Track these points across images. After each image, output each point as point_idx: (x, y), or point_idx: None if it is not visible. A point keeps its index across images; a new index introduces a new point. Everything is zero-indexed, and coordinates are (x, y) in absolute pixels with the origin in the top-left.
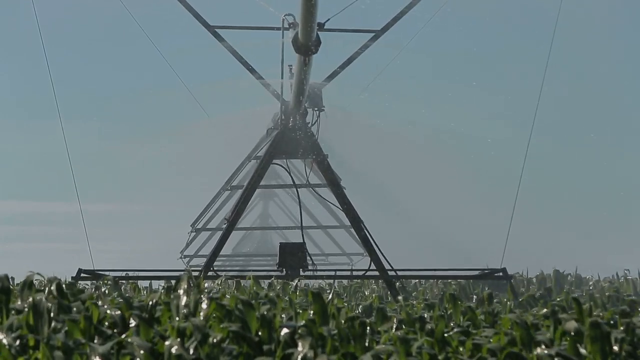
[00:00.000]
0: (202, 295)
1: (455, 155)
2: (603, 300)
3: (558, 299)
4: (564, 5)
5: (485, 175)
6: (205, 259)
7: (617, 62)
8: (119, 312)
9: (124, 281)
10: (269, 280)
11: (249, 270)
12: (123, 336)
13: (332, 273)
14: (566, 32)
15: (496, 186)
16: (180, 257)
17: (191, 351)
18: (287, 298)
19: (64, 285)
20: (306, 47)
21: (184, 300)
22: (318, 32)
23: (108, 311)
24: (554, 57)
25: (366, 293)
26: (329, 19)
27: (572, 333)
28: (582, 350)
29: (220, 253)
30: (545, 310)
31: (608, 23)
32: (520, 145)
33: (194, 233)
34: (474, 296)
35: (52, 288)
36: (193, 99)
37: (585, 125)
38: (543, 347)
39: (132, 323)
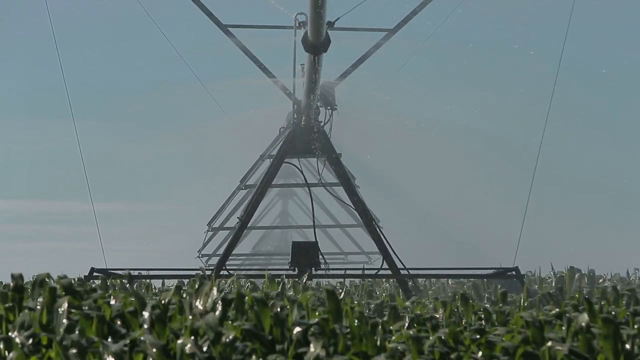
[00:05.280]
0: (215, 294)
1: (468, 153)
2: (617, 298)
3: (570, 299)
4: (577, 3)
5: (499, 173)
6: None
7: (635, 54)
8: (134, 310)
9: (136, 280)
10: (279, 279)
11: (264, 269)
12: (136, 334)
13: (345, 272)
14: (581, 28)
15: (509, 185)
16: (198, 257)
17: (204, 349)
18: (298, 296)
19: (76, 284)
20: (315, 46)
21: (197, 299)
22: (328, 31)
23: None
24: (569, 53)
25: (378, 292)
26: (339, 18)
27: (583, 326)
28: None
29: (240, 252)
30: (557, 310)
31: (622, 17)
32: (534, 143)
33: (211, 232)
34: (487, 295)
35: (63, 286)
36: (206, 97)
37: (599, 123)
38: (555, 343)
39: (145, 322)
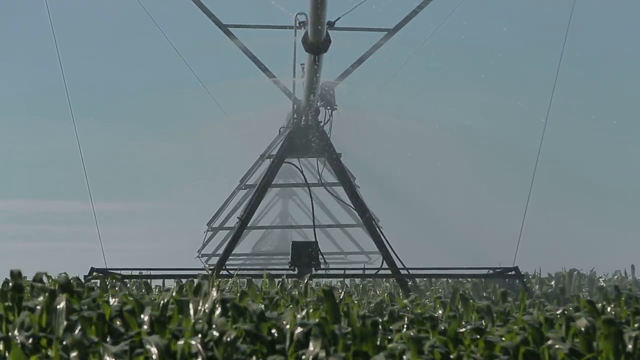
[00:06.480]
0: (215, 295)
1: (469, 153)
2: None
3: (571, 298)
4: (578, 2)
5: (499, 173)
6: None
7: (636, 53)
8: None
9: (136, 280)
10: (280, 279)
11: (263, 269)
12: (137, 334)
13: (345, 272)
14: (580, 27)
15: (510, 184)
16: (198, 256)
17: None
18: (298, 297)
19: (75, 284)
20: (316, 46)
21: (198, 299)
22: (328, 31)
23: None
24: (568, 53)
25: (378, 292)
26: (339, 18)
27: (583, 330)
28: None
29: (240, 252)
30: (558, 311)
31: (623, 16)
32: (534, 143)
33: (211, 232)
34: (486, 294)
35: (63, 286)
36: (206, 98)
37: (600, 123)
38: (555, 342)
39: (144, 322)
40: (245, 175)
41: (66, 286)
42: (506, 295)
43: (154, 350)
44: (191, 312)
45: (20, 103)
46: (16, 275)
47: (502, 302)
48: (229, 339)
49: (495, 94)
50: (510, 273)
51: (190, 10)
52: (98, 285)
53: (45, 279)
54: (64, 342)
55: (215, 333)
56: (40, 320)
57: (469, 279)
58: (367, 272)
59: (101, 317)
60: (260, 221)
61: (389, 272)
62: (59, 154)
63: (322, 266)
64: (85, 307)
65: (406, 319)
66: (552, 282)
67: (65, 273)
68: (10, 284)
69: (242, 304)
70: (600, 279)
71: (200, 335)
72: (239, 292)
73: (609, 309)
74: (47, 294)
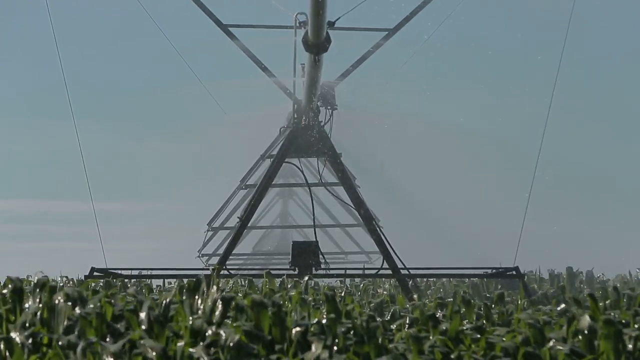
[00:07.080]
0: (216, 295)
1: (469, 154)
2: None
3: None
4: (578, 2)
5: (499, 173)
6: None
7: (636, 53)
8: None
9: (137, 279)
10: (281, 279)
11: (264, 269)
12: (135, 335)
13: (346, 272)
14: (580, 27)
15: (510, 185)
16: (198, 256)
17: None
18: (302, 296)
19: (75, 283)
20: (316, 46)
21: (198, 299)
22: (328, 31)
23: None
24: (568, 53)
25: (379, 291)
26: (339, 18)
27: (586, 331)
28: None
29: (241, 252)
30: (561, 306)
31: (623, 16)
32: (534, 143)
33: (211, 232)
34: (487, 295)
35: (65, 287)
36: (206, 98)
37: (600, 123)
38: (556, 343)
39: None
40: (246, 175)
41: (67, 286)
42: (503, 297)
43: (151, 353)
44: (189, 312)
45: (20, 103)
46: (15, 280)
47: (500, 304)
48: (231, 344)
49: (495, 93)
50: (510, 273)
51: (190, 10)
52: (101, 284)
53: (48, 277)
54: (60, 342)
55: (222, 335)
56: (42, 320)
57: (469, 279)
58: (367, 272)
59: (101, 317)
60: (261, 221)
61: (389, 272)
62: (59, 154)
63: (323, 266)
64: (87, 307)
65: (407, 319)
66: (548, 279)
67: (65, 276)
68: (10, 286)
69: (246, 301)
70: (608, 280)
71: (201, 342)
72: (245, 292)
73: (609, 309)
74: (49, 294)
